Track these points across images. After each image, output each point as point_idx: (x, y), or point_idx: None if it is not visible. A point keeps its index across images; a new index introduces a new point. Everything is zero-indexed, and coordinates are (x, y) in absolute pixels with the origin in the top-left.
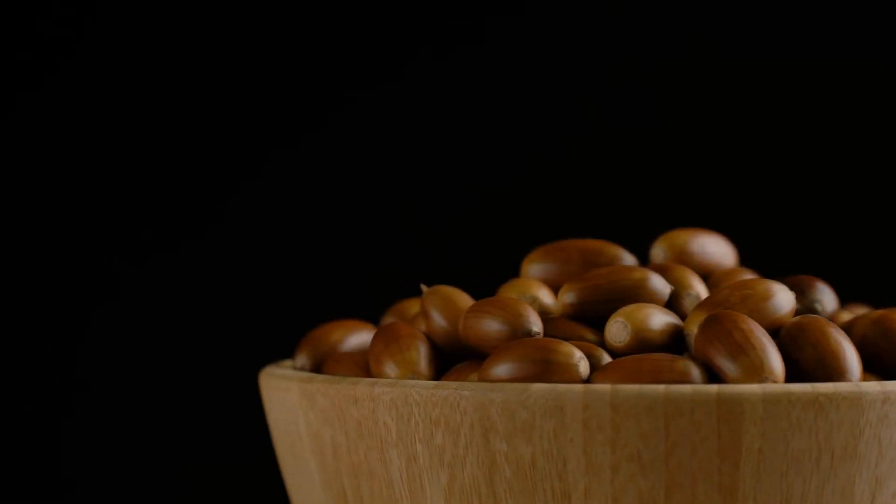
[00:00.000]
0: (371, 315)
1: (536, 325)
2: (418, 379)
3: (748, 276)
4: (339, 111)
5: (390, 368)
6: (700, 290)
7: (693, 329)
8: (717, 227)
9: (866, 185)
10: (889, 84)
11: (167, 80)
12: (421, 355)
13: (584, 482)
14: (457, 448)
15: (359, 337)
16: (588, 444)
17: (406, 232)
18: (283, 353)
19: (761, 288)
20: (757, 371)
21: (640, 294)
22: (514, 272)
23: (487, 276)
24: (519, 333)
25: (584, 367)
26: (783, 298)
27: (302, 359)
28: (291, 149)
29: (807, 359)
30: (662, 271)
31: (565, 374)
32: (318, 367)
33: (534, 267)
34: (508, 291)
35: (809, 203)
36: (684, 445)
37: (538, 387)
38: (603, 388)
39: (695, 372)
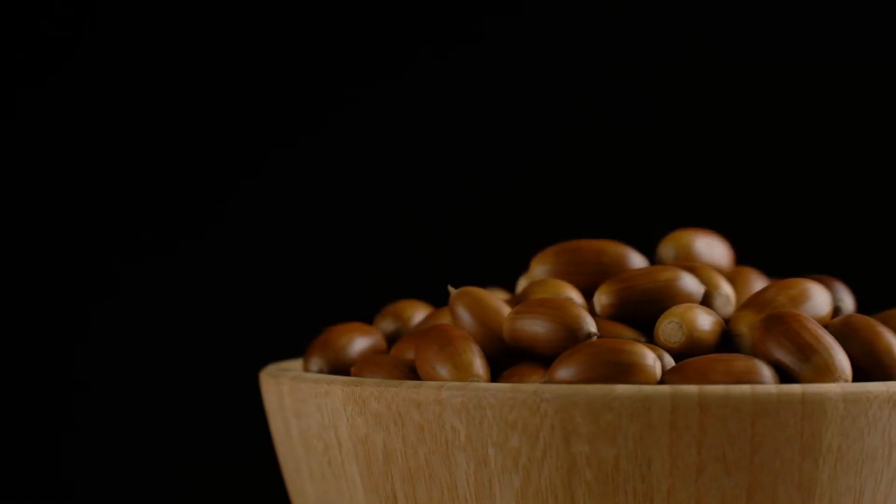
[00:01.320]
0: (371, 315)
1: (593, 325)
2: (478, 382)
3: (755, 276)
4: (340, 111)
5: (446, 371)
6: (728, 290)
7: (743, 329)
8: (715, 226)
9: (865, 185)
10: (889, 84)
11: (167, 80)
12: (476, 358)
13: (668, 483)
14: (534, 451)
15: (368, 339)
16: (674, 445)
17: (406, 232)
18: (282, 353)
19: (802, 288)
20: (830, 370)
21: (675, 294)
22: (513, 272)
23: (487, 276)
24: (578, 335)
25: (658, 368)
26: (823, 298)
27: (316, 362)
28: (291, 149)
29: (856, 356)
30: (689, 272)
31: (641, 375)
32: (334, 371)
33: (543, 267)
34: (541, 292)
35: (808, 203)
36: (768, 445)
37: (623, 388)
38: (690, 389)
39: (766, 372)
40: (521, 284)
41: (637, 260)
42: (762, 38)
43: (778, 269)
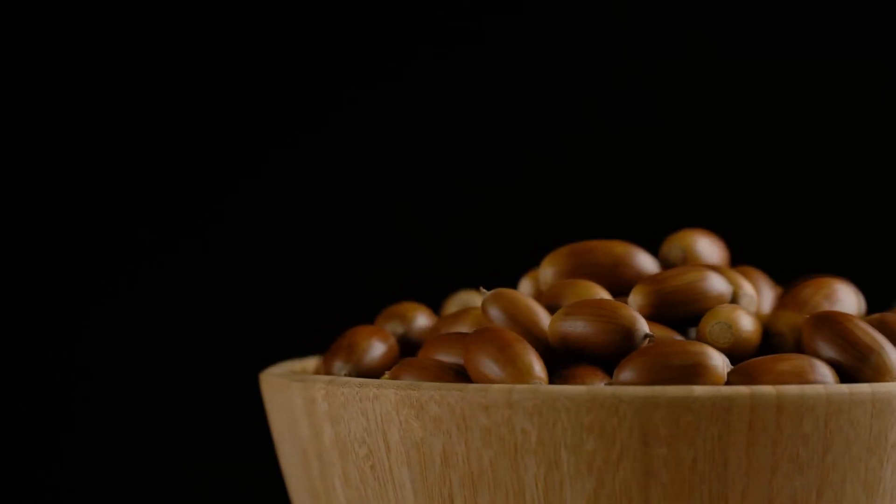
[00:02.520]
0: (369, 316)
1: (646, 326)
2: (540, 384)
3: (758, 276)
4: (340, 111)
5: (505, 374)
6: (750, 290)
7: (784, 329)
8: (711, 226)
9: (864, 185)
10: (888, 84)
11: (167, 80)
12: (535, 360)
13: (743, 484)
14: (609, 454)
15: (385, 343)
16: (751, 445)
17: (406, 232)
18: (282, 353)
19: (834, 287)
20: (889, 369)
21: (707, 295)
22: (513, 272)
23: (487, 277)
24: (636, 336)
25: (726, 369)
26: (854, 298)
27: (341, 366)
28: (291, 149)
29: None
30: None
31: (710, 376)
32: (361, 375)
33: (555, 268)
34: (572, 293)
35: (806, 203)
36: (839, 443)
37: (703, 389)
38: (768, 390)
39: (827, 371)
40: (525, 285)
41: (647, 260)
42: (762, 38)
43: (774, 268)
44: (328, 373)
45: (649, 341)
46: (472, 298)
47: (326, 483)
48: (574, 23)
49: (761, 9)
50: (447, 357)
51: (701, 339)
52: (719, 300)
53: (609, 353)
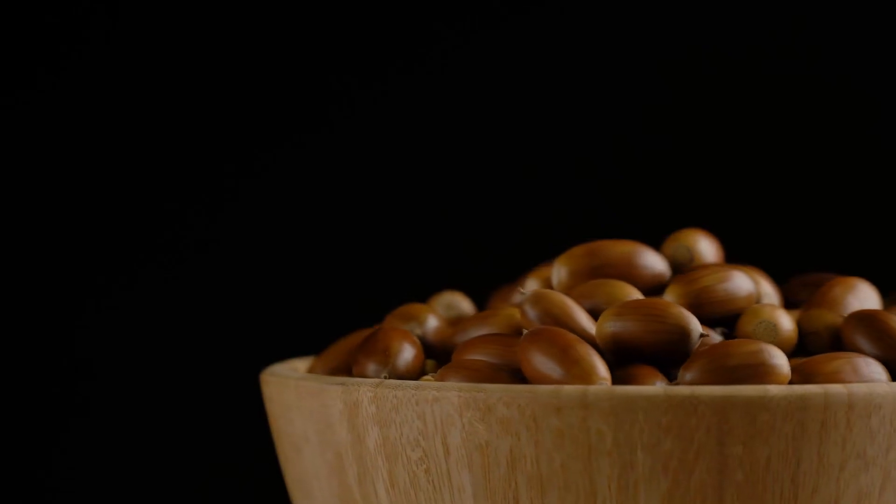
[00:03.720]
0: (372, 316)
1: (700, 326)
2: (605, 385)
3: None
4: (341, 112)
5: (569, 376)
6: (770, 288)
7: (819, 327)
8: (714, 226)
9: (862, 184)
10: (889, 85)
11: (169, 80)
12: (598, 361)
13: (814, 482)
14: (686, 454)
15: (413, 345)
16: (822, 443)
17: (406, 232)
18: (281, 353)
19: (860, 286)
20: None
21: (739, 294)
22: (513, 272)
23: (487, 276)
24: (692, 336)
25: (788, 368)
26: (877, 296)
27: (378, 369)
28: (291, 150)
29: None
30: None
31: (776, 376)
32: (396, 378)
33: (569, 268)
34: (605, 293)
35: (801, 202)
36: None
37: (778, 389)
38: (839, 388)
39: (880, 369)
40: (533, 284)
41: (657, 260)
42: (762, 38)
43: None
44: (360, 375)
45: (703, 341)
46: (457, 299)
47: (365, 488)
48: (576, 23)
49: (761, 10)
50: (488, 358)
51: (743, 337)
52: (749, 299)
53: (660, 354)
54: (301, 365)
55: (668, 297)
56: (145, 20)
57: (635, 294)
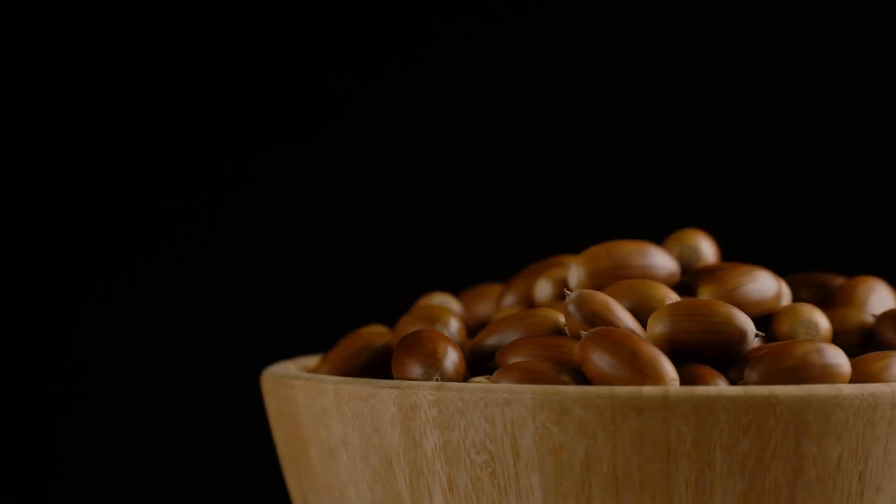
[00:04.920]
0: (373, 316)
1: (754, 326)
2: (675, 385)
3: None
4: (342, 112)
5: (642, 376)
6: (786, 289)
7: (850, 327)
8: (714, 226)
9: (862, 184)
10: (889, 85)
11: (169, 80)
12: (667, 361)
13: (879, 480)
14: (763, 453)
15: (458, 347)
16: (889, 441)
17: (406, 232)
18: (282, 354)
19: (881, 287)
20: None
21: (767, 295)
22: (513, 272)
23: (487, 276)
24: (749, 336)
25: (850, 367)
26: (889, 293)
27: (431, 372)
28: (291, 150)
29: None
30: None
31: (839, 375)
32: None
33: (586, 268)
34: (635, 294)
35: (803, 203)
36: None
37: (851, 387)
38: None
39: None
40: (545, 285)
41: (669, 261)
42: (762, 38)
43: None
44: (402, 378)
45: (759, 340)
46: (447, 300)
47: (419, 493)
48: (576, 23)
49: (761, 10)
50: (536, 360)
51: (784, 337)
52: (776, 299)
53: (714, 354)
54: (295, 365)
55: (704, 297)
56: (145, 20)
57: (671, 294)
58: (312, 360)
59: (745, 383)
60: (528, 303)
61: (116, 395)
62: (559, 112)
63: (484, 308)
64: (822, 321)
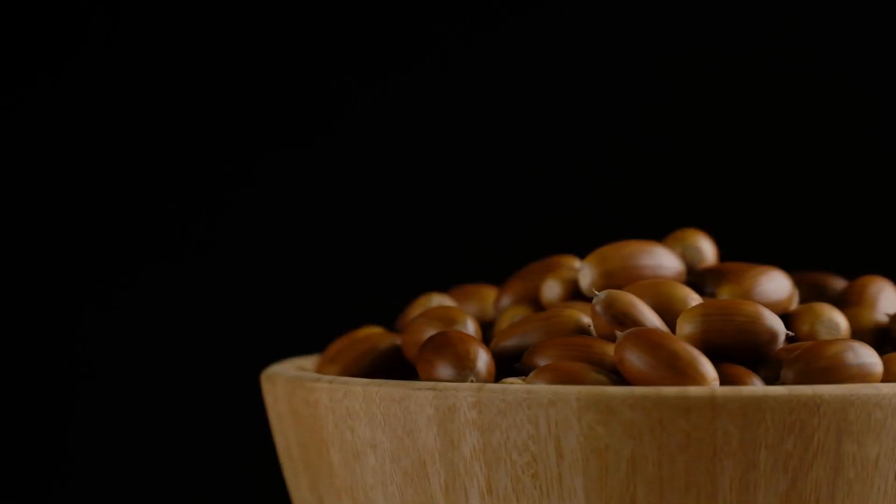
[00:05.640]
0: (373, 316)
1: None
2: (716, 385)
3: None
4: (340, 113)
5: (685, 377)
6: (793, 288)
7: (864, 326)
8: (714, 226)
9: (862, 184)
10: (889, 85)
11: (169, 80)
12: (706, 362)
13: None
14: (806, 452)
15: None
16: None
17: (406, 232)
18: (282, 353)
19: (882, 284)
20: None
21: (784, 294)
22: (513, 272)
23: (487, 277)
24: (780, 336)
25: (882, 366)
26: (894, 292)
27: (465, 373)
28: (291, 150)
29: None
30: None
31: (873, 374)
32: (479, 381)
33: (599, 269)
34: (656, 294)
35: (803, 203)
36: None
37: (889, 387)
38: None
39: None
40: (553, 286)
41: (675, 261)
42: (762, 38)
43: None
44: (430, 379)
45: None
46: (444, 302)
47: (454, 495)
48: (576, 23)
49: (761, 10)
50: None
51: (805, 336)
52: (791, 299)
53: (744, 353)
54: (291, 366)
55: (724, 297)
56: (145, 20)
57: (693, 294)
58: (307, 361)
59: (783, 382)
60: (527, 303)
61: (116, 395)
62: (559, 112)
63: (471, 308)
64: (841, 321)
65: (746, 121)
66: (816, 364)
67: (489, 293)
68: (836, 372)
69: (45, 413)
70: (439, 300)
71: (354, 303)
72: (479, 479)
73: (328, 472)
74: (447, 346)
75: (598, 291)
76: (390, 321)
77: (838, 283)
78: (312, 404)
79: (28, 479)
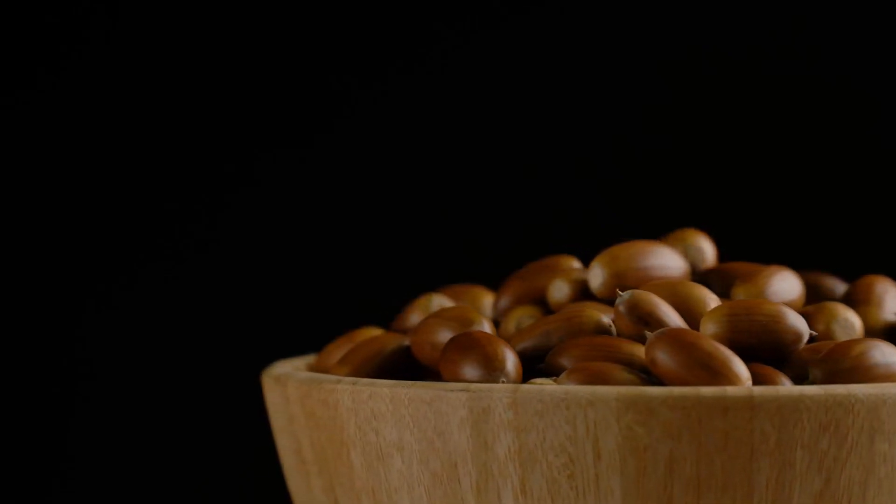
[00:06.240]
0: (373, 316)
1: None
2: (749, 385)
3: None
4: (340, 113)
5: (719, 377)
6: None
7: (874, 325)
8: (714, 226)
9: (862, 184)
10: (889, 85)
11: (169, 81)
12: (740, 362)
13: None
14: (840, 451)
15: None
16: None
17: (406, 232)
18: (282, 353)
19: (886, 283)
20: None
21: (794, 295)
22: (513, 272)
23: (487, 276)
24: (804, 337)
25: None
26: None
27: (479, 373)
28: (291, 150)
29: None
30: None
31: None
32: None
33: (609, 270)
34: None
35: (803, 203)
36: None
37: None
38: None
39: None
40: (562, 286)
41: (682, 261)
42: (762, 38)
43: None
44: (454, 379)
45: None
46: (444, 302)
47: (486, 497)
48: (576, 23)
49: (761, 10)
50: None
51: (821, 336)
52: (802, 299)
53: (769, 353)
54: (290, 366)
55: (741, 297)
56: (145, 20)
57: (710, 294)
58: (302, 361)
59: (812, 382)
60: (527, 304)
61: (116, 395)
62: (559, 112)
63: None
64: (856, 320)
65: (746, 121)
66: (844, 364)
67: (480, 293)
68: (864, 371)
69: (45, 413)
70: (440, 301)
71: (354, 303)
72: (512, 481)
73: (347, 474)
74: (474, 346)
75: (621, 292)
76: (390, 321)
77: (834, 283)
78: (332, 406)
79: (28, 479)
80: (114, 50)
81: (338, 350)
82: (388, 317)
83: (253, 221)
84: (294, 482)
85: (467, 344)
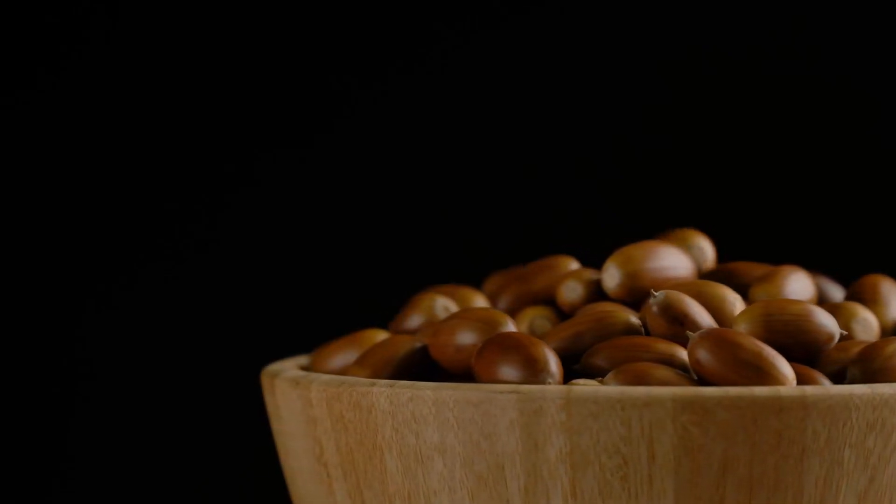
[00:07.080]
0: (373, 316)
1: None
2: (794, 384)
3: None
4: (340, 112)
5: (767, 378)
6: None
7: (886, 323)
8: (714, 226)
9: (862, 184)
10: (889, 85)
11: (169, 81)
12: (784, 361)
13: None
14: (885, 449)
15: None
16: None
17: (406, 232)
18: (282, 353)
19: (889, 283)
20: None
21: (807, 295)
22: (497, 268)
23: (487, 276)
24: (835, 337)
25: None
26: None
27: (521, 374)
28: (291, 150)
29: None
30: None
31: None
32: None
33: (625, 270)
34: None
35: (803, 203)
36: None
37: None
38: None
39: None
40: (574, 287)
41: (688, 260)
42: (762, 38)
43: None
44: (493, 381)
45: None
46: (444, 303)
47: (534, 499)
48: (576, 23)
49: (761, 10)
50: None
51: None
52: (815, 299)
53: (801, 353)
54: (290, 365)
55: (762, 297)
56: (145, 20)
57: (734, 294)
58: (295, 362)
59: (850, 381)
60: (527, 304)
61: (116, 395)
62: (559, 112)
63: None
64: (873, 319)
65: (746, 121)
66: (878, 363)
67: (469, 294)
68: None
69: (45, 413)
70: (444, 302)
71: (354, 302)
72: (563, 482)
73: (379, 478)
74: (515, 347)
75: (655, 293)
76: (389, 321)
77: (829, 282)
78: (366, 409)
79: (28, 479)
80: (114, 50)
81: (339, 351)
82: (387, 317)
83: (253, 221)
84: (307, 486)
85: (507, 345)
